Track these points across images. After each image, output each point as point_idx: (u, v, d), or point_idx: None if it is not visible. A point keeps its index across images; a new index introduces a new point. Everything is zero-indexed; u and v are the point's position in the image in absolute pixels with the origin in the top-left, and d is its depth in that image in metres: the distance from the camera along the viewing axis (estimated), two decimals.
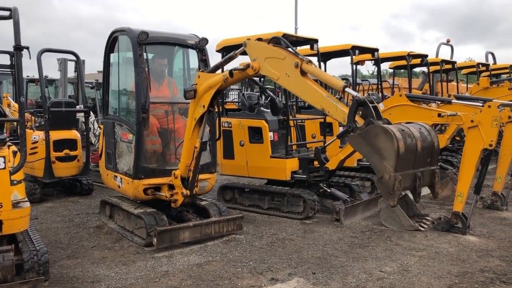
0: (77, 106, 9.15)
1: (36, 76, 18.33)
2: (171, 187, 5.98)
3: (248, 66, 4.86)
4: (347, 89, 3.91)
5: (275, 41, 4.72)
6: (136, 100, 5.95)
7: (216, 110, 6.66)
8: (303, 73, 4.35)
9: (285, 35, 7.31)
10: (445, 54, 17.19)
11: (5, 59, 13.51)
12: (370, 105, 3.54)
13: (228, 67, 5.67)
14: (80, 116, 9.63)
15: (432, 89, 13.22)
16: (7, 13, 4.76)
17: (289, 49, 4.55)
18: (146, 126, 5.98)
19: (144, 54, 6.01)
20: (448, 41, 17.49)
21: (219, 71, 5.83)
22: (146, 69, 5.98)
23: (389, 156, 3.23)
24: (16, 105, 9.53)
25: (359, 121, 3.67)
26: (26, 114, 8.80)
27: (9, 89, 16.03)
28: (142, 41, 5.93)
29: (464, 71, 15.00)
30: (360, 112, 3.69)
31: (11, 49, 11.60)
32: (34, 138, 8.18)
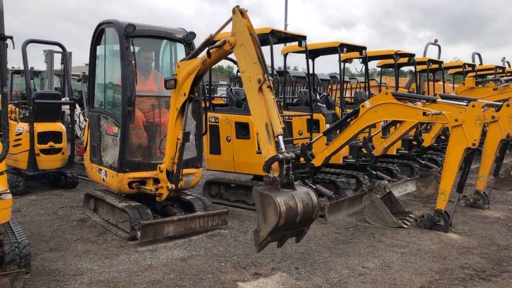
0: (63, 99, 9.05)
1: (22, 67, 18.14)
2: (156, 181, 5.96)
3: (225, 41, 4.68)
4: (279, 137, 3.99)
5: (256, 41, 4.53)
6: (122, 93, 5.91)
7: (203, 105, 6.67)
8: (261, 90, 4.23)
9: (274, 31, 7.33)
10: (433, 53, 17.37)
11: None
12: (285, 165, 3.86)
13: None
14: (66, 108, 9.54)
15: (419, 88, 13.33)
16: None
17: (262, 58, 4.33)
18: (131, 119, 5.95)
19: (131, 47, 5.97)
20: (435, 41, 17.66)
21: None
22: (133, 62, 5.94)
23: (269, 224, 3.75)
24: None
25: (274, 167, 3.91)
26: (10, 105, 8.71)
27: None
28: (129, 33, 5.89)
29: (450, 71, 15.16)
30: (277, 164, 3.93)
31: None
32: (18, 129, 8.08)
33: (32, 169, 7.96)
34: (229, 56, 5.21)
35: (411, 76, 17.55)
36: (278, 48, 9.92)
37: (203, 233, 6.03)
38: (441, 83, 16.43)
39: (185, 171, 6.19)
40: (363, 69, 10.20)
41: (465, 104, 6.28)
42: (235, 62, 5.85)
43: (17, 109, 8.79)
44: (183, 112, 5.60)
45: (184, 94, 5.43)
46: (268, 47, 7.28)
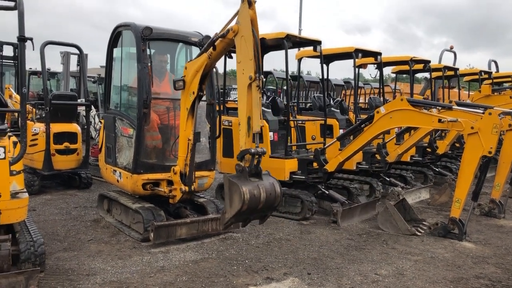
0: (79, 100, 9.15)
1: (39, 68, 18.39)
2: (170, 182, 5.99)
3: (228, 30, 4.78)
4: (256, 135, 4.37)
5: (256, 40, 4.50)
6: (137, 95, 5.96)
7: (218, 108, 6.70)
8: (250, 87, 4.42)
9: (289, 36, 7.35)
10: (448, 60, 17.24)
11: (8, 51, 13.60)
12: (256, 159, 4.29)
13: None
14: (81, 109, 9.64)
15: (433, 95, 13.23)
16: (12, 3, 4.78)
17: (258, 57, 4.42)
18: (147, 121, 5.99)
19: (147, 49, 6.03)
20: (451, 47, 17.52)
21: None
22: (149, 64, 6.00)
23: (234, 208, 4.20)
24: (18, 96, 9.53)
25: (247, 158, 4.31)
26: (27, 106, 8.83)
27: (11, 81, 16.03)
28: (146, 36, 5.94)
29: (466, 78, 15.01)
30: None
31: (14, 41, 11.58)
32: (35, 130, 8.19)
33: (47, 169, 8.05)
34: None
35: (426, 83, 17.42)
36: (292, 52, 9.92)
37: (215, 236, 6.03)
38: (456, 90, 16.31)
39: (199, 173, 6.21)
40: (378, 74, 10.18)
41: (481, 111, 6.21)
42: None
43: (34, 109, 8.90)
44: (193, 112, 5.64)
45: (193, 93, 5.49)
46: (282, 51, 7.33)
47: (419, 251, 5.74)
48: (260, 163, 4.35)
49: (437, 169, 10.44)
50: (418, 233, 6.43)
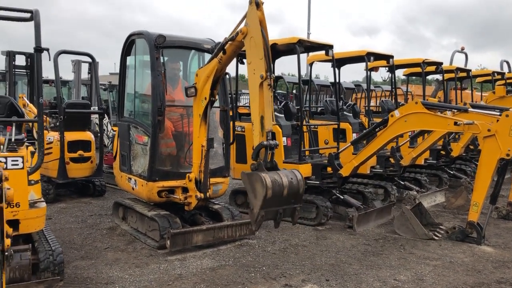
0: (92, 108, 9.20)
1: (50, 77, 18.55)
2: (185, 189, 5.99)
3: (237, 33, 4.83)
4: (269, 135, 4.43)
5: (266, 40, 4.56)
6: (152, 103, 5.97)
7: (231, 113, 6.70)
8: (262, 86, 4.47)
9: (301, 41, 7.34)
10: (459, 61, 17.12)
11: (21, 60, 13.72)
12: (270, 151, 4.39)
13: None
14: (94, 117, 9.70)
15: (446, 97, 13.13)
16: (28, 15, 4.82)
17: (268, 57, 4.48)
18: (161, 129, 6.00)
19: (161, 57, 6.05)
20: (462, 48, 17.39)
21: None
22: (162, 72, 6.02)
23: (259, 198, 4.16)
24: (32, 105, 9.61)
25: (261, 155, 4.41)
26: None
27: (24, 90, 16.17)
28: (159, 44, 5.96)
29: (478, 79, 14.87)
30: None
31: (24, 50, 11.65)
32: (49, 138, 8.25)
33: (62, 177, 8.10)
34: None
35: (437, 85, 17.31)
36: (303, 56, 9.91)
37: (231, 242, 6.02)
38: (468, 91, 16.17)
39: (213, 180, 6.21)
40: (389, 77, 10.13)
41: (498, 113, 6.14)
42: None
43: (47, 118, 8.95)
44: (206, 117, 5.65)
45: (205, 99, 5.52)
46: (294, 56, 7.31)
47: (438, 256, 5.68)
48: (274, 156, 4.43)
49: (451, 172, 10.34)
50: (436, 238, 6.36)
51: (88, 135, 8.53)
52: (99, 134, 8.93)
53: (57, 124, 8.16)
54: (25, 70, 14.18)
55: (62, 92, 17.95)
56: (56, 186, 8.40)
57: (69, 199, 8.61)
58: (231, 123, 6.63)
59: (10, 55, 13.29)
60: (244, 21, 4.77)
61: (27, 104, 9.58)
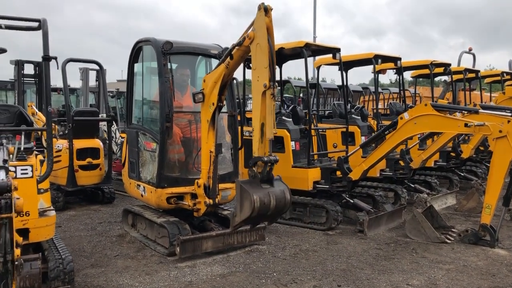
0: (100, 115, 9.23)
1: (58, 85, 18.66)
2: (194, 196, 5.96)
3: (244, 38, 4.84)
4: (269, 141, 4.48)
5: (271, 47, 4.58)
6: (160, 109, 5.97)
7: (239, 118, 6.68)
8: (264, 95, 4.51)
9: (308, 44, 7.32)
10: (467, 62, 17.00)
11: (29, 69, 13.83)
12: (268, 167, 4.39)
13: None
14: (102, 125, 9.72)
15: (454, 98, 13.02)
16: (35, 24, 4.84)
17: (272, 65, 4.51)
18: (169, 135, 6.00)
19: (169, 63, 6.05)
20: (470, 49, 17.28)
21: None
22: (170, 78, 6.02)
23: (244, 214, 4.38)
24: (40, 114, 9.65)
25: (259, 164, 4.43)
26: None
27: (33, 98, 16.28)
28: (167, 51, 5.96)
29: (487, 79, 14.75)
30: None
31: (32, 59, 11.68)
32: (58, 146, 8.27)
33: (71, 184, 8.11)
34: None
35: (445, 86, 17.18)
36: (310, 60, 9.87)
37: (241, 248, 5.98)
38: (477, 92, 16.03)
39: (222, 186, 6.18)
40: (397, 79, 10.06)
41: (509, 114, 6.07)
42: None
43: (56, 126, 8.98)
44: (214, 123, 5.64)
45: (213, 104, 5.51)
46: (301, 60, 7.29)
47: (451, 260, 5.60)
48: (272, 170, 4.45)
49: (462, 174, 10.23)
50: (448, 241, 6.28)
51: (96, 143, 8.55)
52: (107, 141, 8.94)
53: (66, 132, 8.18)
54: (33, 79, 14.31)
55: (70, 100, 18.13)
56: (66, 193, 8.41)
57: (78, 207, 8.62)
58: (239, 128, 6.62)
59: (19, 64, 13.41)
60: (252, 26, 4.76)
61: (36, 112, 9.61)
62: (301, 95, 17.21)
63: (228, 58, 5.24)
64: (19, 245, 4.31)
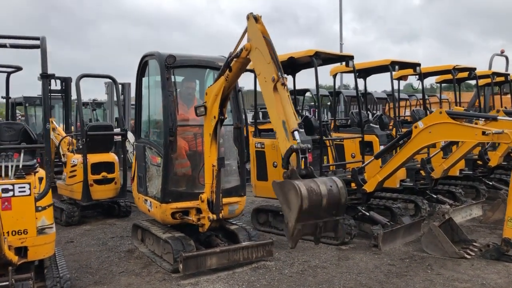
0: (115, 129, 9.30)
1: (85, 99, 19.04)
2: (198, 211, 5.86)
3: (241, 49, 4.76)
4: (295, 133, 4.07)
5: (269, 42, 4.51)
6: (163, 123, 5.92)
7: (252, 130, 6.56)
8: (276, 89, 4.30)
9: (318, 53, 7.13)
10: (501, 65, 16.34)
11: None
12: (301, 155, 3.92)
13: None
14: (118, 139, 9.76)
15: (485, 104, 12.48)
16: (37, 42, 4.87)
17: (275, 58, 4.40)
18: (173, 149, 5.93)
19: (173, 77, 6.00)
20: (502, 51, 16.58)
21: None
22: (175, 92, 5.96)
23: (294, 210, 3.70)
24: (60, 129, 9.83)
25: (292, 161, 4.00)
26: (68, 137, 9.06)
27: (60, 113, 16.67)
28: (170, 64, 5.92)
29: None
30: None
31: (62, 75, 11.95)
32: (73, 161, 8.36)
33: (86, 199, 8.16)
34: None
35: (476, 91, 16.54)
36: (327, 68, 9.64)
37: (247, 265, 5.80)
38: (509, 96, 15.33)
39: (229, 200, 6.06)
40: (419, 85, 9.71)
41: None
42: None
43: (74, 140, 9.11)
44: (216, 136, 5.54)
45: (214, 117, 5.40)
46: (313, 69, 7.12)
47: (468, 277, 5.25)
48: (308, 161, 3.98)
49: (490, 183, 9.72)
50: (468, 256, 5.91)
51: (111, 157, 8.60)
52: (122, 155, 8.99)
53: (80, 147, 8.26)
54: (60, 94, 14.67)
55: (97, 113, 18.49)
56: (82, 208, 8.47)
57: (94, 221, 8.67)
58: (251, 139, 6.50)
59: (47, 79, 13.79)
60: (246, 37, 4.67)
61: (56, 127, 9.77)
62: (328, 103, 16.92)
63: (227, 70, 5.14)
64: (14, 264, 4.33)
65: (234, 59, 4.97)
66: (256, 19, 4.50)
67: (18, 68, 7.20)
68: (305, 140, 7.40)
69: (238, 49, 4.88)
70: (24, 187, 4.44)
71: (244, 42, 4.84)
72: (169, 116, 5.86)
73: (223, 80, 5.22)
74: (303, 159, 3.93)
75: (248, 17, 4.56)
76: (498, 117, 5.89)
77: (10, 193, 4.35)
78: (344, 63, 7.79)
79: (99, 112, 18.39)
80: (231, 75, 5.13)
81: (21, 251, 4.50)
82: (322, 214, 3.81)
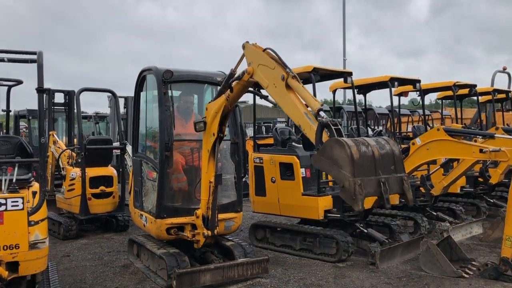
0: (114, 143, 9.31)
1: (89, 112, 19.13)
2: (193, 226, 5.82)
3: (243, 72, 4.81)
4: (321, 112, 3.92)
5: (270, 50, 4.62)
6: (159, 138, 5.92)
7: (251, 144, 6.54)
8: (288, 87, 4.30)
9: (316, 69, 7.16)
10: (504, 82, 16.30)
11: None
12: (333, 127, 3.68)
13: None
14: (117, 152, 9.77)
15: (487, 120, 12.42)
16: (34, 56, 4.91)
17: (280, 61, 4.47)
18: (169, 164, 5.91)
19: (170, 91, 6.01)
20: (504, 68, 16.54)
21: None
22: (171, 107, 5.96)
23: (345, 164, 3.33)
24: (61, 142, 9.86)
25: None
26: (68, 151, 9.08)
27: (64, 126, 16.76)
28: (167, 79, 5.94)
29: None
30: (328, 134, 3.78)
31: (67, 87, 11.97)
32: (72, 175, 8.36)
33: (83, 213, 8.14)
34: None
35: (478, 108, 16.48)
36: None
37: (242, 282, 5.74)
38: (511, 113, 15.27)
39: (225, 215, 6.02)
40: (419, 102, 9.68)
41: None
42: (257, 94, 5.75)
43: (74, 154, 9.12)
44: (214, 153, 5.51)
45: (214, 134, 5.37)
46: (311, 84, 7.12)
47: None
48: (342, 133, 3.71)
49: (491, 200, 9.63)
50: (466, 275, 5.83)
51: (110, 171, 8.60)
52: (120, 170, 8.98)
53: (79, 160, 8.27)
54: (63, 107, 14.76)
55: (100, 126, 18.57)
56: (80, 222, 8.44)
57: (92, 235, 8.64)
58: (250, 154, 6.47)
59: (50, 93, 13.87)
60: (244, 60, 4.76)
61: (57, 141, 9.81)
62: None
63: (228, 90, 5.11)
64: (4, 280, 4.30)
65: (236, 81, 4.98)
66: (254, 45, 4.67)
67: (19, 82, 7.25)
68: (303, 156, 7.41)
69: (239, 72, 4.92)
70: (17, 201, 4.41)
71: (243, 64, 4.95)
72: (165, 131, 5.86)
73: (224, 99, 5.20)
74: (337, 130, 3.68)
75: (244, 46, 4.74)
76: (496, 135, 5.86)
77: (3, 207, 4.33)
78: (343, 79, 7.83)
79: (101, 126, 18.48)
80: (232, 95, 5.13)
81: (12, 266, 4.47)
82: (380, 168, 3.46)
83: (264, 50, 4.66)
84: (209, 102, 5.61)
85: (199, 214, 5.61)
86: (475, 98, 10.86)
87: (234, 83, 5.02)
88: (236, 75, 5.00)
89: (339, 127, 3.73)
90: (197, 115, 6.90)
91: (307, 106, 4.24)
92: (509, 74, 16.36)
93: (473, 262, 6.21)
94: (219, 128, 5.39)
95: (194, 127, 5.60)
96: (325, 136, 3.75)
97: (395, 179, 3.55)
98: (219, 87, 6.59)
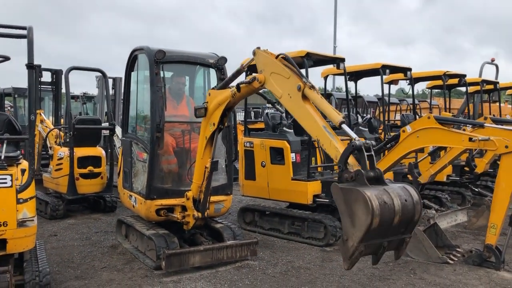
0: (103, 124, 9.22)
1: (75, 92, 18.89)
2: (184, 208, 5.82)
3: (254, 79, 4.65)
4: (344, 126, 3.70)
5: (284, 57, 4.44)
6: (151, 119, 5.87)
7: (242, 129, 6.52)
8: (305, 97, 4.09)
9: (309, 54, 7.12)
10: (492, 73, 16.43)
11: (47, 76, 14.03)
12: (366, 153, 3.32)
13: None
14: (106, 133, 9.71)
15: (474, 110, 12.55)
16: (24, 32, 4.80)
17: (295, 69, 4.29)
18: (160, 146, 5.87)
19: (162, 72, 5.95)
20: (492, 60, 16.66)
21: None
22: (163, 88, 5.90)
23: (360, 228, 3.08)
24: (48, 121, 9.72)
25: (352, 162, 3.42)
26: (55, 130, 8.96)
27: (50, 105, 16.54)
28: (159, 59, 5.87)
29: (509, 91, 14.19)
30: (354, 156, 3.44)
31: (53, 67, 11.80)
32: (60, 154, 8.28)
33: (71, 193, 8.08)
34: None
35: (466, 98, 16.65)
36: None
37: (231, 264, 5.78)
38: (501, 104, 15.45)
39: (215, 198, 6.02)
40: (410, 90, 9.74)
41: None
42: (265, 98, 5.70)
43: (62, 133, 9.01)
44: (212, 141, 5.46)
45: (214, 124, 5.30)
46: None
47: (450, 282, 5.27)
48: (374, 161, 3.36)
49: (476, 190, 9.79)
50: (451, 261, 5.94)
51: (98, 151, 8.52)
52: (109, 150, 8.91)
53: (67, 140, 8.18)
54: (50, 86, 14.54)
55: (87, 107, 18.36)
56: (67, 201, 8.39)
57: (80, 215, 8.59)
58: (240, 138, 6.44)
59: (36, 71, 13.63)
60: (253, 61, 4.73)
61: (44, 119, 9.67)
62: None
63: (236, 89, 5.00)
64: None
65: (245, 84, 4.84)
66: (264, 51, 4.57)
67: (6, 58, 7.08)
68: (293, 141, 7.42)
69: (251, 77, 4.75)
70: (5, 179, 4.37)
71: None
72: (157, 112, 5.81)
73: (229, 95, 5.07)
74: (370, 159, 3.34)
75: (254, 52, 4.62)
76: (485, 124, 5.93)
77: None
78: (335, 65, 7.83)
79: (89, 106, 18.27)
80: (239, 95, 5.02)
81: (0, 243, 4.43)
82: (390, 232, 3.24)
83: (277, 57, 4.45)
84: (213, 88, 5.50)
85: (190, 196, 5.62)
86: (462, 89, 10.97)
87: (242, 85, 4.88)
88: (246, 79, 4.85)
89: (372, 153, 3.39)
90: (188, 97, 6.85)
91: (325, 118, 4.03)
92: (497, 66, 16.49)
93: (458, 249, 6.31)
94: (220, 119, 5.31)
95: (195, 112, 5.49)
96: (351, 159, 3.43)
97: (397, 241, 3.38)
98: (211, 69, 6.59)
